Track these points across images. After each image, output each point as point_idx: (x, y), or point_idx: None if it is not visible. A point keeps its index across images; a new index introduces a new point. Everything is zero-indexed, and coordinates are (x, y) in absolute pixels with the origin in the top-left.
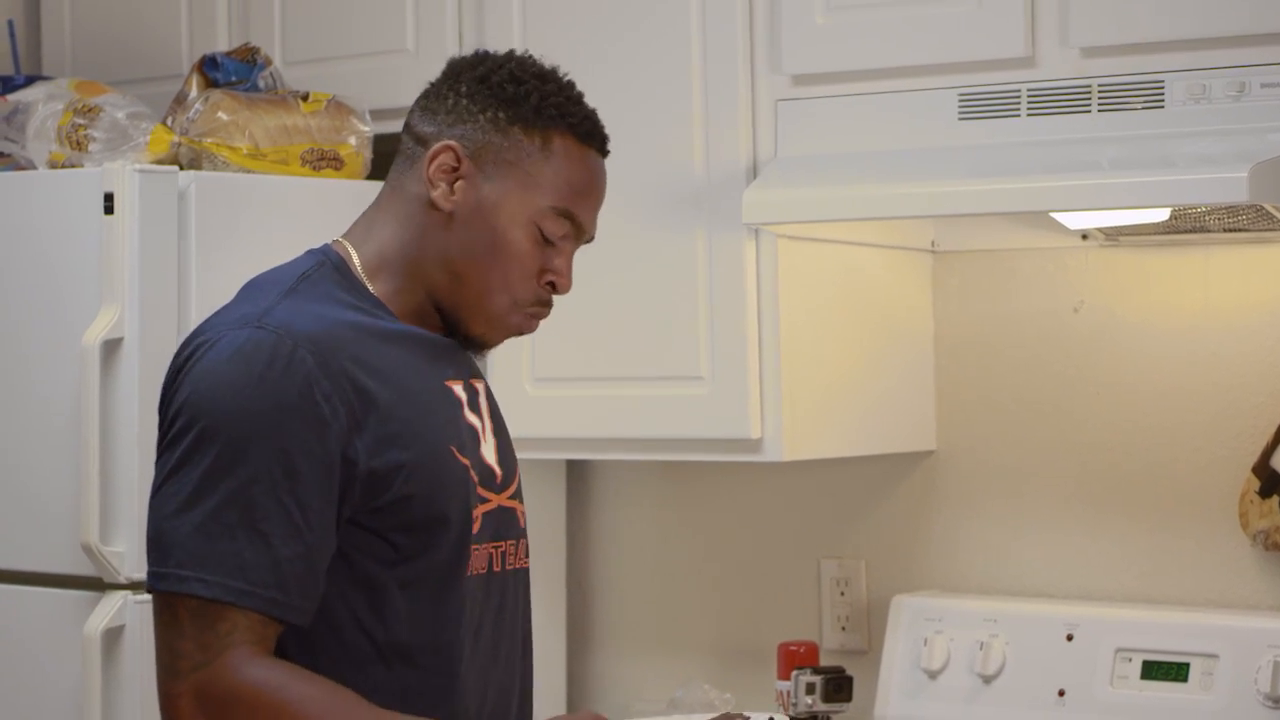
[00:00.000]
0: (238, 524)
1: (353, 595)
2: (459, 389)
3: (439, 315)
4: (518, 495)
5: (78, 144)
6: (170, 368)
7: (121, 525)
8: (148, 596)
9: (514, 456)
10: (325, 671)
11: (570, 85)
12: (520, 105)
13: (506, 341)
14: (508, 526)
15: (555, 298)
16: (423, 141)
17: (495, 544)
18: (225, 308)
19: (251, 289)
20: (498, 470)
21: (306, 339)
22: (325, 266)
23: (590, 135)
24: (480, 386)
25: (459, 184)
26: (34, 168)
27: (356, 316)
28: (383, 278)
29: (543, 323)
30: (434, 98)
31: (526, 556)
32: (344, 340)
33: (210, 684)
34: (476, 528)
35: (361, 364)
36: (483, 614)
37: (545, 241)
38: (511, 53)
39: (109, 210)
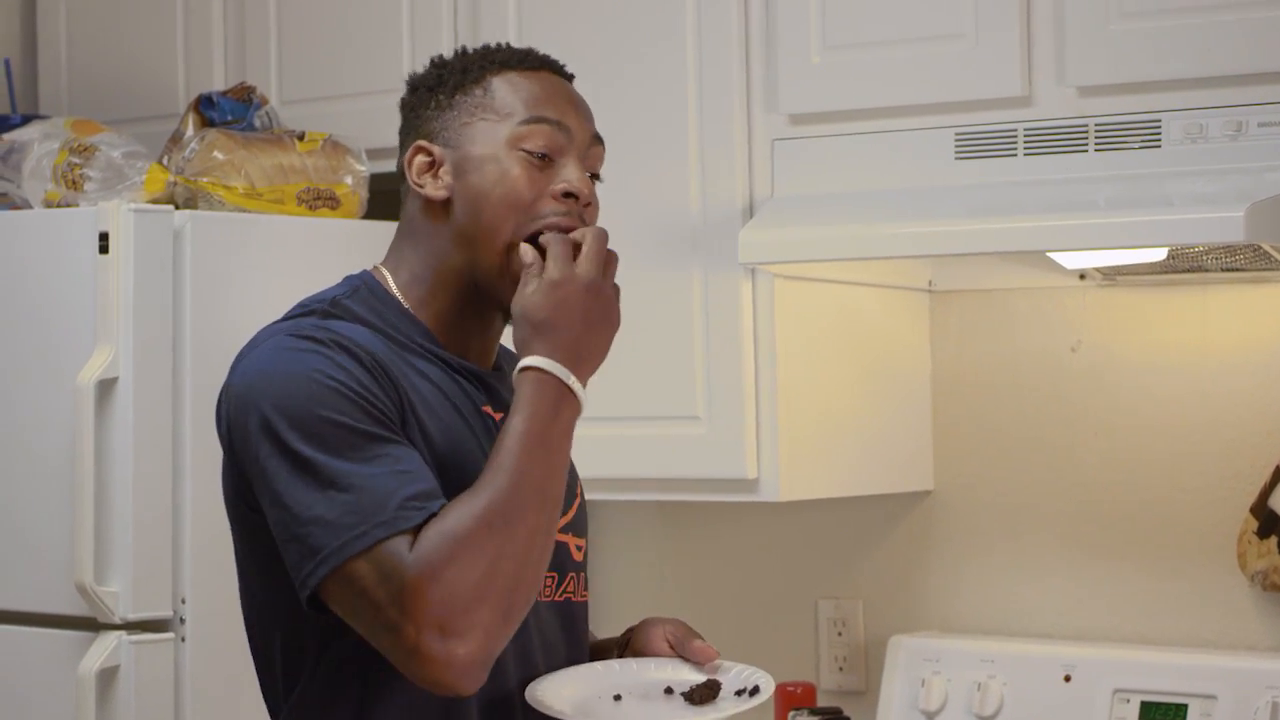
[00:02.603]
0: (335, 480)
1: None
2: (500, 420)
3: (482, 300)
4: (570, 529)
5: (73, 183)
6: (220, 393)
7: (116, 565)
8: (142, 636)
9: (569, 491)
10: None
11: (491, 44)
12: (448, 78)
13: None
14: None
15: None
16: (400, 165)
17: None
18: (261, 332)
19: (289, 313)
20: None
21: (348, 342)
22: (361, 290)
23: (524, 60)
24: None
25: (441, 170)
26: (29, 207)
27: (387, 339)
28: (416, 292)
29: None
30: (400, 138)
31: (578, 590)
32: (380, 351)
33: (419, 598)
34: None
35: (389, 373)
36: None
37: (539, 161)
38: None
39: (104, 250)
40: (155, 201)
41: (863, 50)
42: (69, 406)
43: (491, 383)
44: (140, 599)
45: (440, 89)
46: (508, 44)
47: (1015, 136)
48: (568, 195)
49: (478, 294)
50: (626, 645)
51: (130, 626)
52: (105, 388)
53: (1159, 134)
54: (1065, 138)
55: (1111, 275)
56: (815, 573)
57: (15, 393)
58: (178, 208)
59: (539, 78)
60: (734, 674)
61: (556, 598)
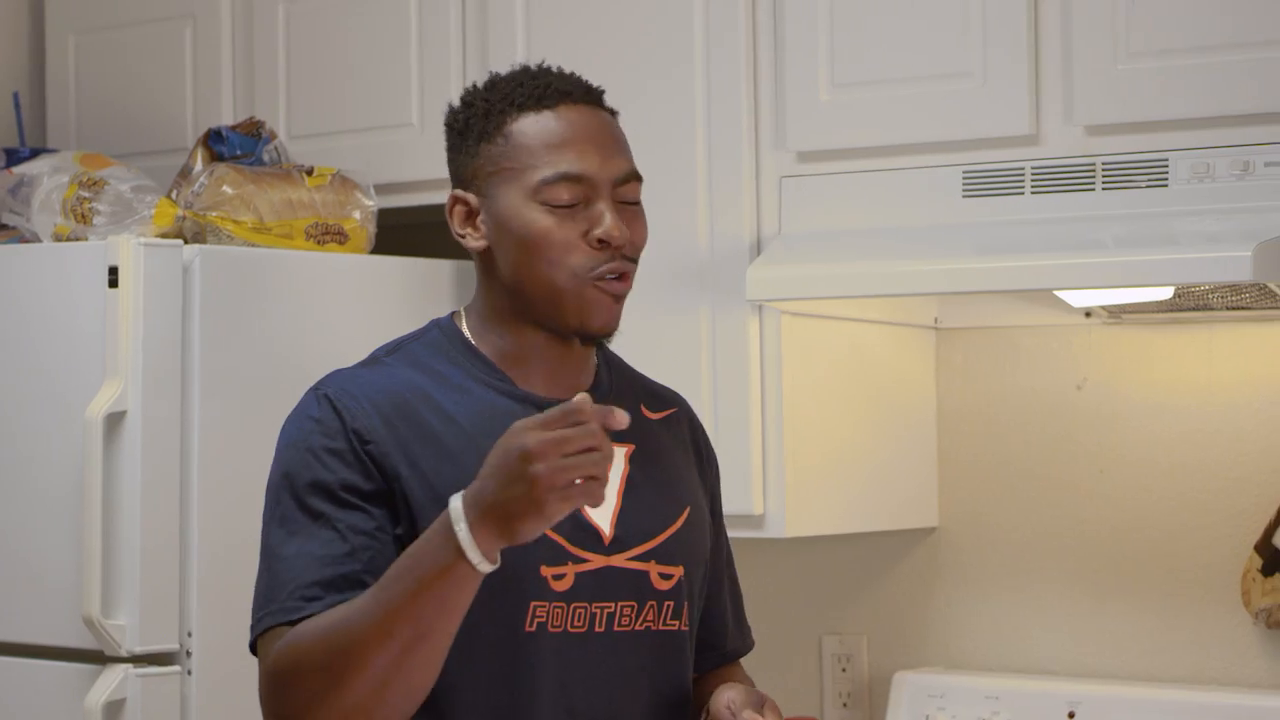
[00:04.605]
0: (271, 551)
1: None
2: None
3: (553, 337)
4: (652, 557)
5: (82, 217)
6: None
7: (123, 598)
8: (149, 670)
9: (660, 518)
10: None
11: (522, 71)
12: (474, 125)
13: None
14: (621, 588)
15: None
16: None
17: (602, 604)
18: None
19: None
20: (607, 531)
21: (351, 404)
22: (433, 331)
23: (539, 99)
24: (625, 450)
25: (478, 219)
26: (38, 240)
27: (438, 378)
28: (481, 330)
29: None
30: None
31: (662, 619)
32: (396, 394)
33: (266, 696)
34: (564, 585)
35: (421, 413)
36: (568, 671)
37: (565, 209)
38: (474, 85)
39: (113, 283)
40: (164, 236)
41: (871, 88)
42: (77, 440)
43: None
44: (147, 632)
45: (468, 134)
46: (535, 72)
47: (1023, 175)
48: (601, 243)
49: (537, 327)
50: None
51: (137, 660)
52: (114, 421)
53: (1166, 173)
54: (1073, 176)
55: (1117, 313)
56: (820, 608)
57: (24, 425)
58: (186, 242)
59: (557, 117)
60: None
61: (636, 626)
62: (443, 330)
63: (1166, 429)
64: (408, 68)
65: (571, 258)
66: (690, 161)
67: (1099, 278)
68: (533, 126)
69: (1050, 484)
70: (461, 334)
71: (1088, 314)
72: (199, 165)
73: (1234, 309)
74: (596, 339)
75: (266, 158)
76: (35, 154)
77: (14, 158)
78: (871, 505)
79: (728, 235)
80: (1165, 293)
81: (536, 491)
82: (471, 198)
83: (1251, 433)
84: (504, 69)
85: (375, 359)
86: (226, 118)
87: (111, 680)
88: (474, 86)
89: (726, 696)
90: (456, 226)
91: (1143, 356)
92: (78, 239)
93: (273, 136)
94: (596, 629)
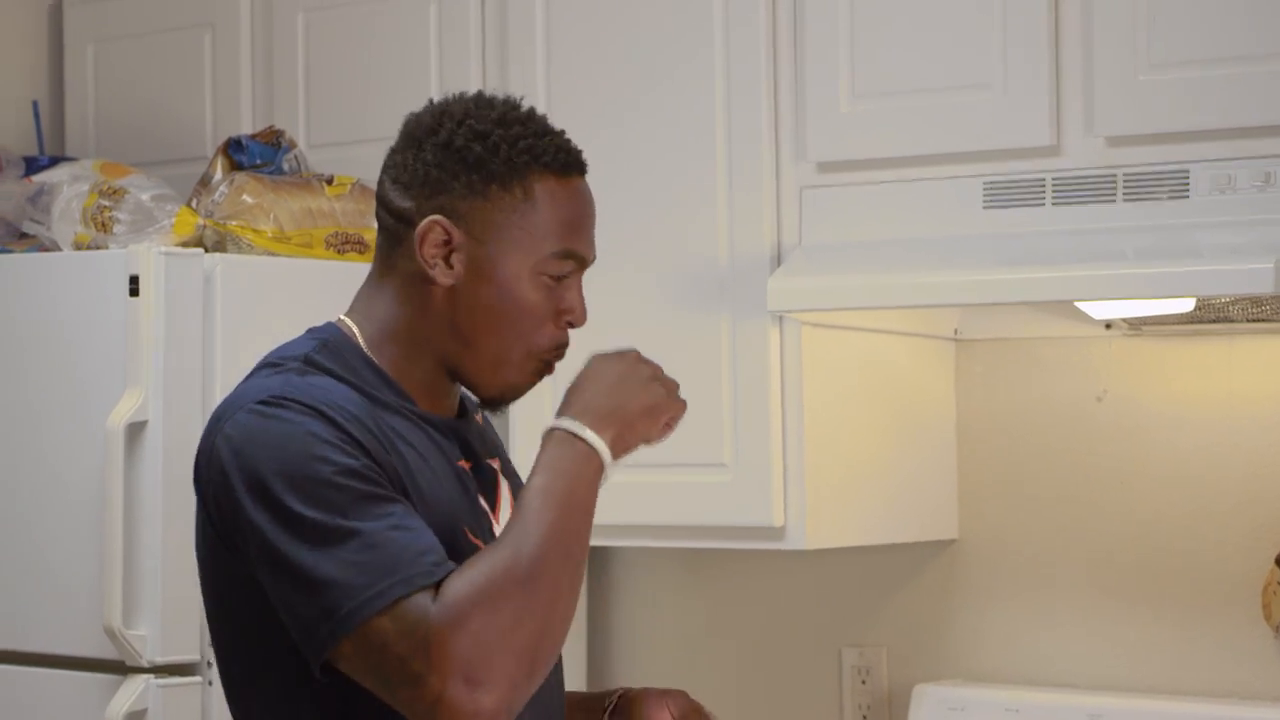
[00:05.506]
0: (345, 541)
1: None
2: (470, 469)
3: (451, 379)
4: None
5: (103, 225)
6: (198, 453)
7: (145, 608)
8: (170, 680)
9: None
10: None
11: (532, 116)
12: (490, 163)
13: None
14: None
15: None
16: (404, 218)
17: None
18: (238, 390)
19: (261, 370)
20: None
21: (335, 402)
22: (331, 345)
23: (567, 166)
24: (496, 465)
25: (454, 256)
26: (59, 249)
27: (368, 393)
28: (388, 351)
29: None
30: (402, 169)
31: None
32: (363, 412)
33: (445, 647)
34: None
35: (378, 437)
36: None
37: (554, 284)
38: (464, 99)
39: (134, 292)
40: (184, 244)
41: (891, 99)
42: (99, 449)
43: (462, 432)
44: (168, 643)
45: (479, 170)
46: (543, 122)
47: (1044, 186)
48: (568, 323)
49: (449, 371)
50: (614, 709)
51: (158, 670)
52: (135, 430)
53: (1187, 184)
54: (1094, 188)
55: (1137, 325)
56: (839, 620)
57: (45, 435)
58: (207, 251)
59: (574, 191)
60: None
61: None
62: (335, 343)
63: (1187, 441)
64: (427, 76)
65: (539, 334)
66: (711, 172)
67: (1120, 289)
68: (557, 195)
69: (1070, 496)
70: (363, 351)
71: (1108, 326)
72: (219, 174)
73: (1255, 320)
74: (497, 408)
75: (286, 167)
76: (55, 162)
77: (34, 166)
78: (891, 517)
79: (748, 246)
80: (1186, 304)
81: (659, 400)
82: (458, 233)
83: (1273, 445)
84: (524, 78)
85: (292, 370)
86: (246, 126)
87: (133, 691)
88: (479, 111)
89: (665, 702)
90: (426, 251)
91: (1162, 368)
92: (98, 248)
93: (293, 145)
94: None
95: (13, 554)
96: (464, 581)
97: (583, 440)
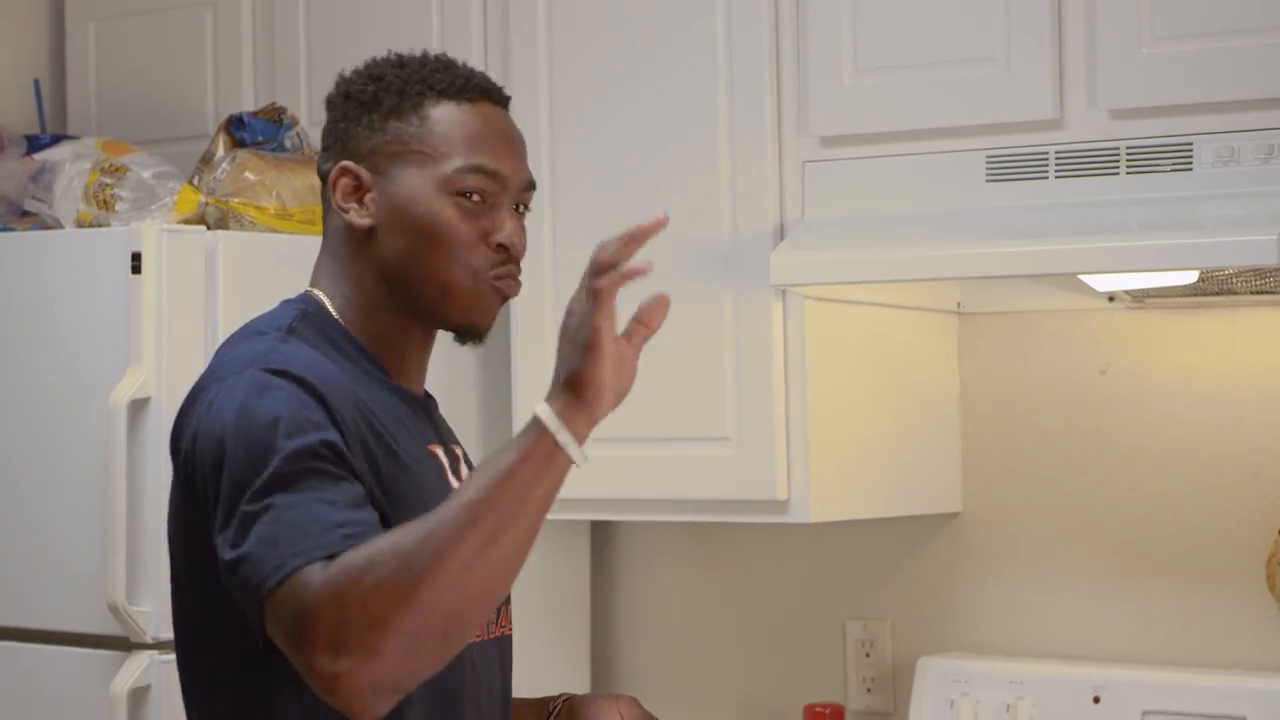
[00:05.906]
0: (268, 511)
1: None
2: (440, 453)
3: (421, 325)
4: None
5: (105, 203)
6: (177, 417)
7: (148, 585)
8: (174, 656)
9: None
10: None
11: (430, 58)
12: (384, 99)
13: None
14: None
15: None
16: (326, 179)
17: None
18: (221, 357)
19: (242, 337)
20: None
21: (314, 376)
22: (311, 314)
23: (464, 89)
24: (459, 452)
25: (367, 197)
26: (61, 227)
27: (348, 365)
28: (350, 315)
29: None
30: (323, 136)
31: (508, 623)
32: (346, 384)
33: (315, 618)
34: None
35: (365, 409)
36: (448, 681)
37: (471, 204)
38: (373, 59)
39: (136, 270)
40: (186, 222)
41: (894, 73)
42: (101, 427)
43: (431, 412)
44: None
45: (375, 108)
46: (448, 61)
47: (1047, 159)
48: (501, 247)
49: (413, 317)
50: (557, 714)
51: (162, 646)
52: (137, 408)
53: (1190, 157)
54: (1097, 160)
55: (1141, 298)
56: (843, 594)
57: (47, 413)
58: (209, 228)
59: (478, 112)
60: None
61: (500, 631)
62: (318, 315)
63: (1190, 413)
64: (430, 50)
65: (471, 256)
66: (714, 147)
67: (1123, 262)
68: (452, 115)
69: (1073, 468)
70: (335, 320)
71: (1111, 298)
72: (221, 151)
73: (1258, 293)
74: (475, 337)
75: (288, 144)
76: (56, 140)
77: (35, 144)
78: (895, 491)
79: (751, 220)
80: (1189, 277)
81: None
82: (364, 173)
83: (1275, 417)
84: (526, 56)
85: (277, 338)
86: (248, 104)
87: (136, 667)
88: (378, 60)
89: (615, 707)
90: (339, 199)
91: (1166, 341)
92: (100, 225)
93: (294, 122)
94: (487, 636)
95: (16, 531)
96: (355, 552)
97: (546, 428)
